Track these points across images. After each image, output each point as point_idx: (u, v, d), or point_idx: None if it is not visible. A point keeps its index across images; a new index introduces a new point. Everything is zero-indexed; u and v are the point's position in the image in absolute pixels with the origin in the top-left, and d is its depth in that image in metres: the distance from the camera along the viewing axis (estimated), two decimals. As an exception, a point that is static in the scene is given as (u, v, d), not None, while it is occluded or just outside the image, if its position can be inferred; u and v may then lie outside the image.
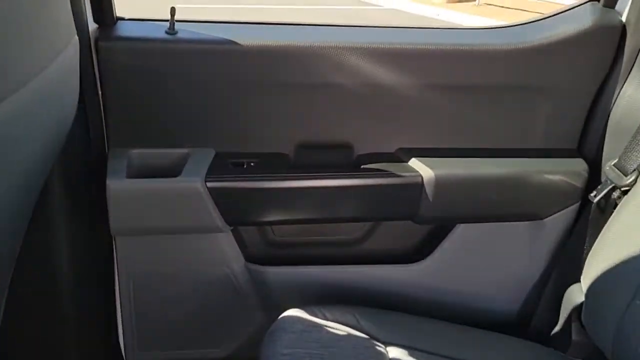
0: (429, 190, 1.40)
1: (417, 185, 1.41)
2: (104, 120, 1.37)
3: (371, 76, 1.38)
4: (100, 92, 1.34)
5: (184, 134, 1.41)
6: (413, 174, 1.42)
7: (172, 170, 1.37)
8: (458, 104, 1.45)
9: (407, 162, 1.45)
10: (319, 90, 1.40)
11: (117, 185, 1.30)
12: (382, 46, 1.37)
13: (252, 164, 1.42)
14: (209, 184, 1.34)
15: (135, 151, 1.39)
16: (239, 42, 1.33)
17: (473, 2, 10.09)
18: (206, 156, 1.40)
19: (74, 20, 1.22)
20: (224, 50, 1.34)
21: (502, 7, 9.88)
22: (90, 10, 1.31)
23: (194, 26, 1.39)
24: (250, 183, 1.37)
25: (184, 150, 1.41)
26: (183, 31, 1.36)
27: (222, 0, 8.63)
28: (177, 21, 1.37)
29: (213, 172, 1.36)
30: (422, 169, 1.42)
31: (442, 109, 1.46)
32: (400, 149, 1.49)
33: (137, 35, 1.34)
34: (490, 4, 10.08)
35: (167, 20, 1.38)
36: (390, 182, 1.41)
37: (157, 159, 1.41)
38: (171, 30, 1.34)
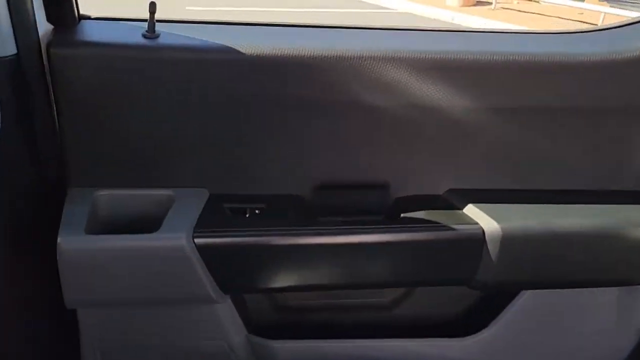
0: (492, 248, 1.05)
1: (477, 242, 1.06)
2: (60, 152, 1.03)
3: (414, 94, 1.04)
4: (55, 115, 1.00)
5: (167, 170, 1.07)
6: (470, 226, 1.07)
7: (151, 219, 1.03)
8: (529, 131, 1.11)
9: (461, 209, 1.11)
10: (344, 112, 1.06)
11: (72, 243, 0.96)
12: (429, 55, 1.03)
13: (257, 211, 1.08)
14: (198, 240, 0.99)
15: (102, 193, 1.06)
16: (237, 47, 0.98)
17: (489, 6, 9.74)
18: (196, 199, 1.06)
19: (16, 21, 0.89)
20: (219, 59, 1.00)
21: (520, 11, 9.53)
22: (43, 8, 0.97)
23: (179, 27, 1.05)
24: (253, 239, 1.03)
25: (168, 192, 1.07)
26: (165, 34, 1.02)
27: (226, 3, 8.34)
28: (158, 21, 1.02)
29: (204, 223, 1.01)
30: (482, 219, 1.07)
31: (507, 138, 1.11)
32: (452, 190, 1.14)
33: (104, 39, 1.00)
34: (506, 8, 9.73)
35: (144, 20, 1.03)
36: (439, 237, 1.06)
37: (131, 203, 1.07)
38: (150, 33, 1.00)
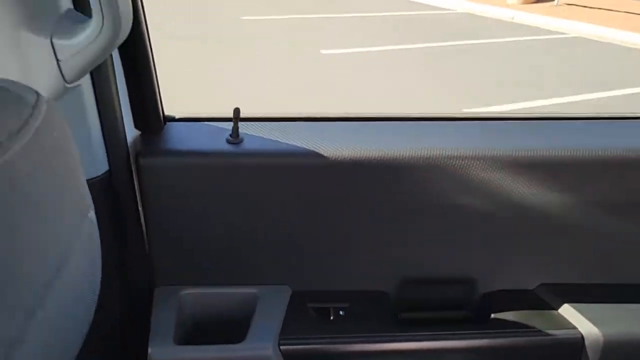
0: (592, 355, 0.99)
1: (575, 348, 1.00)
2: (147, 251, 1.04)
3: (500, 192, 0.99)
4: (142, 217, 1.01)
5: (250, 267, 1.07)
6: (568, 331, 1.01)
7: (237, 318, 1.03)
8: (625, 224, 1.04)
9: (556, 309, 1.05)
10: (428, 210, 1.02)
11: (162, 354, 0.96)
12: (515, 152, 0.98)
13: (340, 312, 1.05)
14: (285, 348, 0.98)
15: (188, 291, 1.06)
16: (321, 151, 0.96)
17: (551, 2, 9.37)
18: (280, 298, 1.05)
19: (108, 136, 0.90)
20: (303, 163, 0.98)
21: (585, 6, 9.11)
22: (130, 114, 0.97)
23: (262, 127, 1.03)
24: (339, 346, 1.00)
25: (251, 290, 1.06)
26: (249, 137, 1.00)
27: (276, 12, 8.37)
28: (242, 120, 1.02)
29: (289, 328, 1.00)
30: (581, 322, 1.01)
31: (601, 231, 1.05)
32: (544, 285, 1.08)
33: (189, 146, 1.00)
34: (570, 4, 9.32)
35: (228, 119, 1.03)
36: (534, 343, 1.01)
37: (216, 301, 1.07)
38: (234, 139, 0.99)
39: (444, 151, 0.97)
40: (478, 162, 0.97)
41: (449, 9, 9.39)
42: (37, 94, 0.50)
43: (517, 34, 7.56)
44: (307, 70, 5.22)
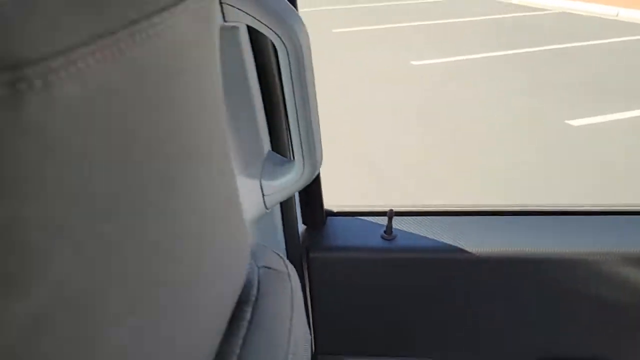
0: None
1: None
2: (312, 326, 1.21)
3: (631, 280, 1.07)
4: (309, 299, 1.18)
5: (400, 341, 1.21)
6: None
7: None
8: None
9: None
10: (564, 296, 1.12)
11: None
12: None
13: None
14: None
15: None
16: (467, 246, 1.09)
17: (660, -5, 8.81)
18: None
19: (287, 228, 1.07)
20: (451, 257, 1.11)
21: (698, -1, 8.50)
22: (300, 212, 1.15)
23: (414, 222, 1.17)
24: None
25: None
26: (401, 233, 1.15)
27: (363, 22, 8.45)
28: (396, 214, 1.17)
29: None
30: None
31: None
32: None
33: (349, 242, 1.16)
34: (681, -4, 8.72)
35: (381, 214, 1.18)
36: None
37: None
38: (388, 236, 1.14)
39: (581, 247, 1.07)
40: (611, 257, 1.06)
41: (545, 9, 9.08)
42: (282, 258, 0.54)
43: (624, 33, 7.21)
44: (397, 87, 5.29)
